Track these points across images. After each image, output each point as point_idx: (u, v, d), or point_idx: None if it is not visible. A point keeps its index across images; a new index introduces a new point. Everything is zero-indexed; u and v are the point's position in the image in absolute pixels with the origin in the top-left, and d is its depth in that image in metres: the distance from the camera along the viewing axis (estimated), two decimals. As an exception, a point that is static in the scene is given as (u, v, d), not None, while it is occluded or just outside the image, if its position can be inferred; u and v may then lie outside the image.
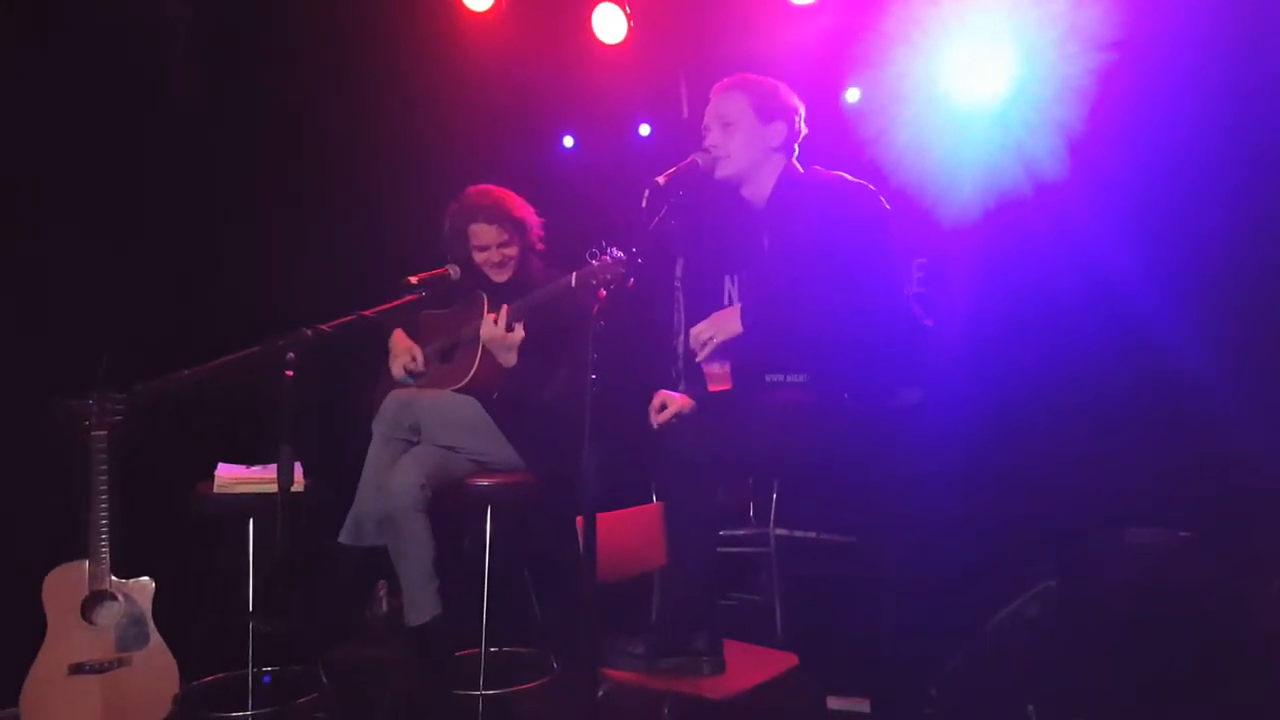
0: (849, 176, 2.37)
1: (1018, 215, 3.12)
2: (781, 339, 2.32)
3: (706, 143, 2.40)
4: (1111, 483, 2.77)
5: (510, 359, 2.77)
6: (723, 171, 2.39)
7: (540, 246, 3.08)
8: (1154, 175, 2.83)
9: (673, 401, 2.43)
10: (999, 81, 3.18)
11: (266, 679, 2.58)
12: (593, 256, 2.20)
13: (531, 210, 3.05)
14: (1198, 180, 2.76)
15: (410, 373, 3.00)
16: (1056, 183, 3.00)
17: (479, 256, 2.99)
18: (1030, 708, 2.41)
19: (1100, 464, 2.81)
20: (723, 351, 2.36)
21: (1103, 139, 2.91)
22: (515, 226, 2.98)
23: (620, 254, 2.17)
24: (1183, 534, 2.52)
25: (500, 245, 2.98)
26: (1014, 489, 2.84)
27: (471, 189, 3.01)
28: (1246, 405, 2.61)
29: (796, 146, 2.46)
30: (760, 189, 2.42)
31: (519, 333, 2.75)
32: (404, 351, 3.03)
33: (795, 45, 3.43)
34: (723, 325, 2.30)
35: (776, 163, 2.42)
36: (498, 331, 2.75)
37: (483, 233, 2.96)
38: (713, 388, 2.46)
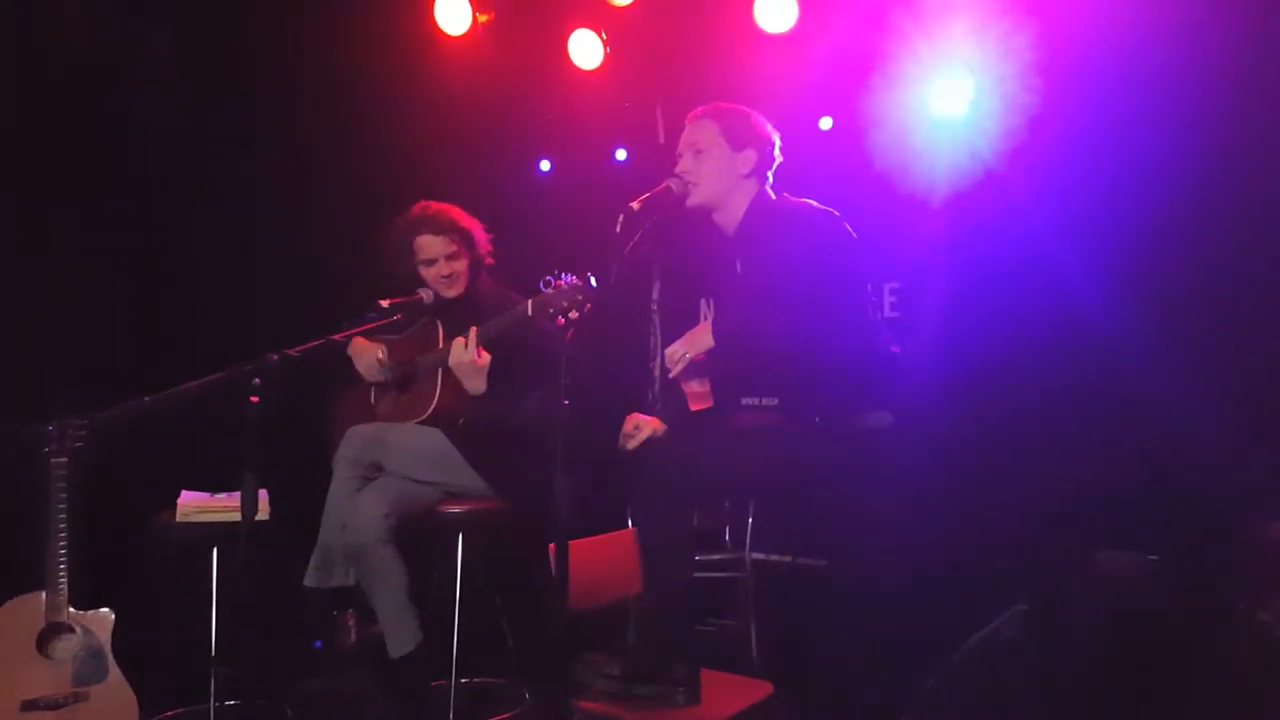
0: (815, 204, 2.40)
1: (987, 242, 3.15)
2: (752, 362, 2.33)
3: (678, 169, 2.42)
4: (1082, 506, 2.78)
5: (479, 385, 2.68)
6: (694, 199, 2.41)
7: (490, 261, 3.00)
8: (1126, 205, 2.88)
9: (645, 426, 2.43)
10: (964, 108, 3.23)
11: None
12: (546, 285, 2.19)
13: (478, 224, 2.97)
14: (1172, 211, 2.80)
15: (382, 365, 2.90)
16: (1026, 207, 3.04)
17: (427, 272, 2.90)
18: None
19: (1071, 487, 2.83)
20: (701, 370, 2.36)
21: (1067, 159, 2.95)
22: (463, 238, 2.90)
23: (575, 280, 2.16)
24: (1151, 557, 2.54)
25: (449, 257, 2.89)
26: (986, 511, 2.85)
27: (415, 206, 2.94)
28: (1216, 433, 2.63)
29: (770, 174, 2.48)
30: (731, 215, 2.44)
31: (486, 356, 2.67)
32: (368, 350, 2.93)
33: (770, 73, 3.46)
34: (695, 341, 2.32)
35: (748, 190, 2.43)
36: (468, 356, 2.65)
37: (430, 245, 2.88)
38: (694, 406, 2.45)
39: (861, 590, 2.65)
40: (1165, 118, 2.81)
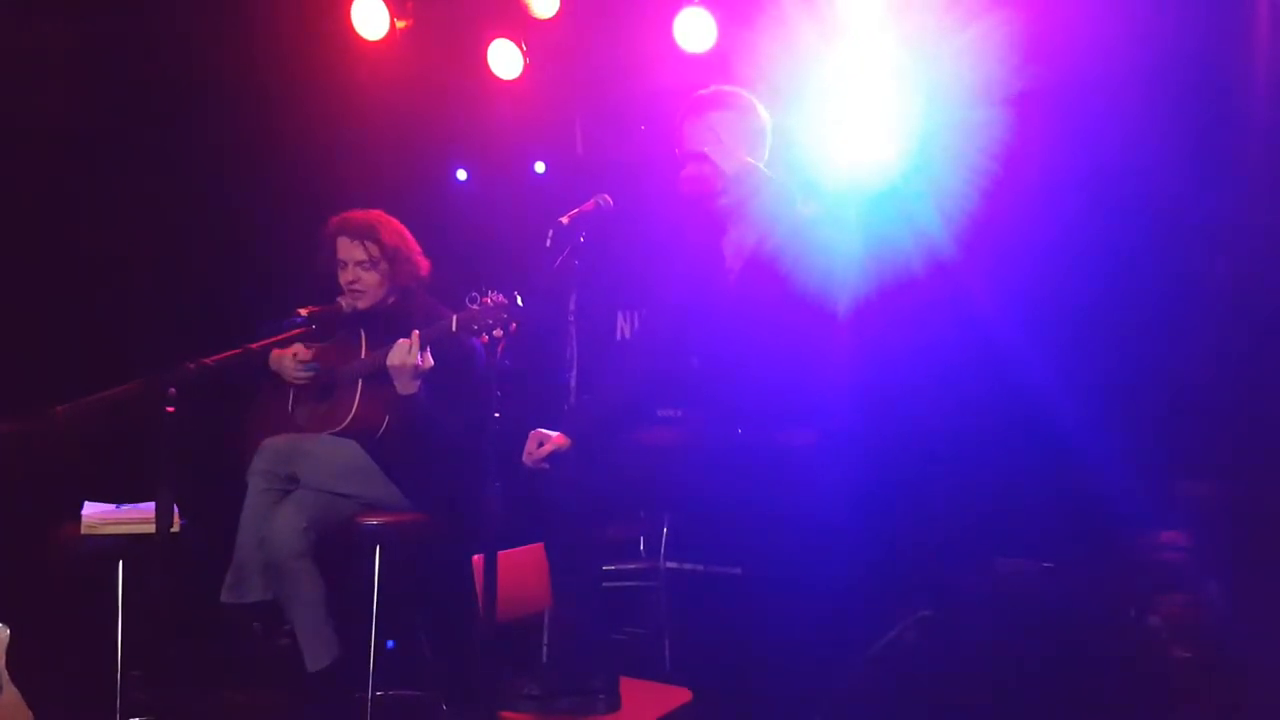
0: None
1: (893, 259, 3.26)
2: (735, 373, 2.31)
3: (721, 187, 2.36)
4: (982, 516, 2.92)
5: (411, 387, 2.63)
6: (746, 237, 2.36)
7: (409, 283, 2.94)
8: (1024, 221, 3.01)
9: (549, 440, 2.38)
10: (877, 127, 3.32)
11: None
12: (473, 301, 2.18)
13: (410, 245, 2.92)
14: (1078, 231, 2.92)
15: (304, 363, 2.84)
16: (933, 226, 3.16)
17: (340, 276, 2.87)
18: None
19: (972, 499, 2.96)
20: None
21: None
22: (381, 249, 2.84)
23: (502, 299, 2.15)
24: (1046, 564, 2.70)
25: (358, 264, 2.85)
26: (892, 521, 2.96)
27: (357, 210, 2.91)
28: (1110, 448, 2.78)
29: None
30: (758, 214, 2.40)
31: (429, 360, 2.61)
32: (286, 354, 2.85)
33: (688, 92, 3.51)
34: None
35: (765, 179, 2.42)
36: (411, 359, 2.56)
37: (344, 248, 2.85)
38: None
39: (773, 597, 2.72)
40: (1079, 125, 2.90)
